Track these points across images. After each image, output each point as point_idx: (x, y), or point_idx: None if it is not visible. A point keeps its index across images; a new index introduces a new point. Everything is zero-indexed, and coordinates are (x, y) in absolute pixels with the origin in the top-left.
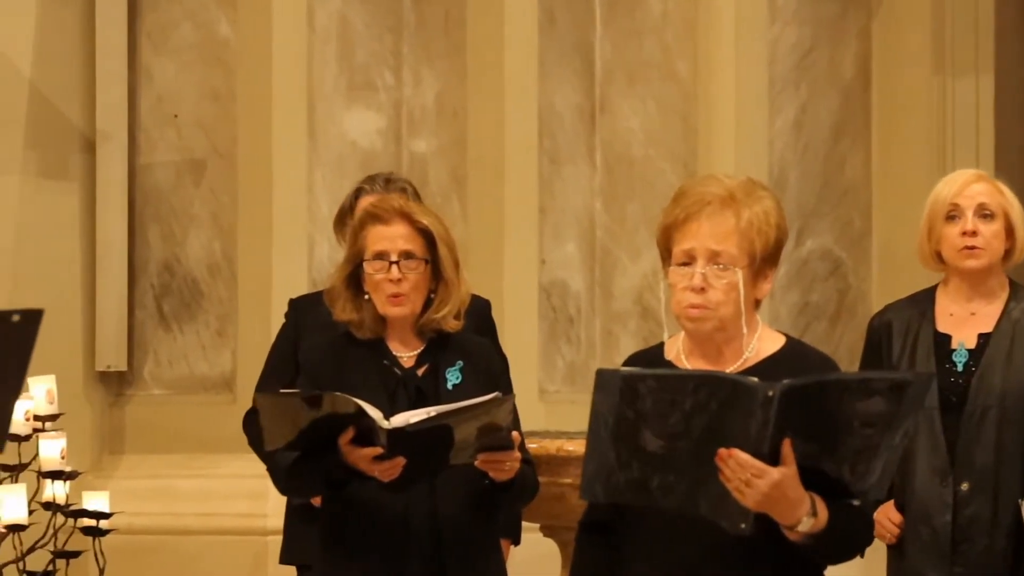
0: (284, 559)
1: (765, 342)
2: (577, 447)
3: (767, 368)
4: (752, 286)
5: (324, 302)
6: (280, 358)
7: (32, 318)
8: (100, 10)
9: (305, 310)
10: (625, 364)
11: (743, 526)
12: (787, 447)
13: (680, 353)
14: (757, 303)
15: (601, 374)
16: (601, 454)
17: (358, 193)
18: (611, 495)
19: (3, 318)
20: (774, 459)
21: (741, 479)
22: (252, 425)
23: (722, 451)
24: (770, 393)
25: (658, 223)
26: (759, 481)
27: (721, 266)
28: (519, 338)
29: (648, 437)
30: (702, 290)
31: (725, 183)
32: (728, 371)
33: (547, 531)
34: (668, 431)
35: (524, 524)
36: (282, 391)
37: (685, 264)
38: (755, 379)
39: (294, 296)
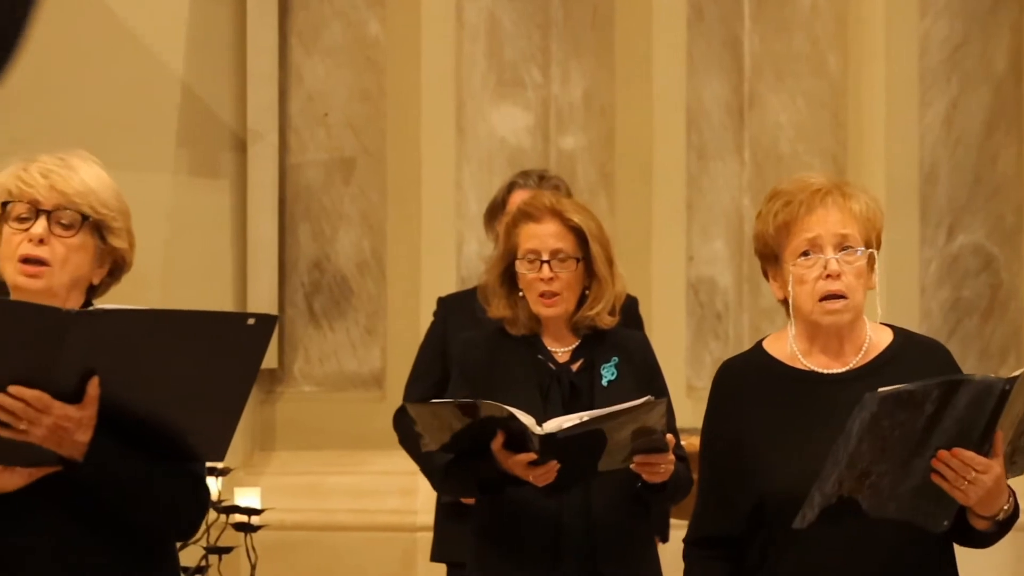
0: (435, 556)
1: (878, 333)
2: None
3: (892, 360)
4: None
5: (472, 300)
6: (429, 357)
7: (266, 323)
8: (251, 10)
9: (454, 308)
10: (723, 369)
11: (946, 523)
12: (999, 438)
13: (795, 353)
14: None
15: (867, 398)
16: (829, 482)
17: (511, 187)
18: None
19: (238, 321)
20: (985, 452)
21: (967, 477)
22: (403, 423)
23: (943, 452)
24: (1007, 387)
25: (767, 225)
26: (984, 477)
27: (849, 250)
28: (667, 335)
29: (878, 455)
30: (838, 276)
31: (823, 176)
32: (850, 366)
33: None
34: (894, 440)
35: (672, 521)
36: (434, 401)
37: (807, 254)
38: (992, 375)
39: (443, 294)
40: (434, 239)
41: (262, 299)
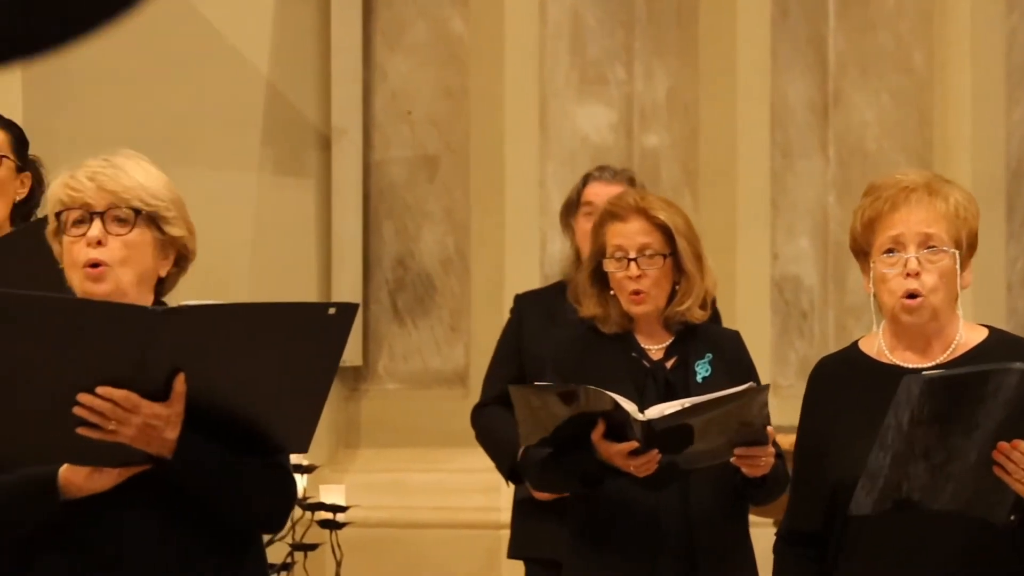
0: (512, 553)
1: (970, 332)
2: None
3: (978, 358)
4: (958, 274)
5: (549, 297)
6: (505, 354)
7: (347, 311)
8: (335, 9)
9: (530, 305)
10: (817, 366)
11: (1012, 517)
12: None
13: (883, 349)
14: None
15: (905, 382)
16: (877, 465)
17: (585, 180)
18: (877, 505)
19: (318, 310)
20: None
21: None
22: (479, 419)
23: (1003, 444)
24: None
25: (856, 220)
26: None
27: (933, 249)
28: (752, 332)
29: (928, 440)
30: (917, 275)
31: (918, 174)
32: (936, 362)
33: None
34: (948, 430)
35: (758, 519)
36: (537, 384)
37: (891, 252)
38: None
39: (520, 292)
40: (517, 237)
41: (346, 296)
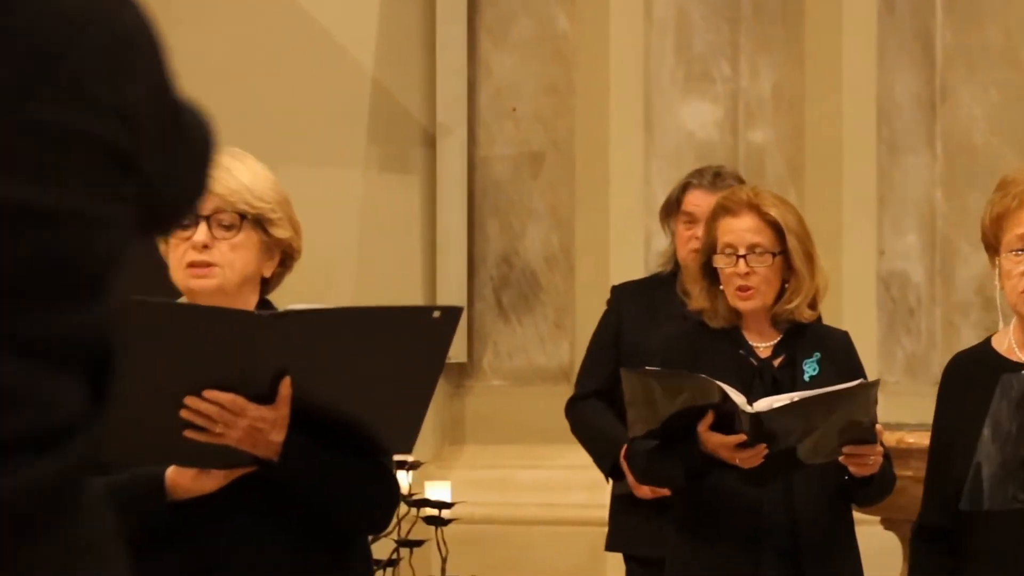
0: (609, 546)
1: None
2: (918, 439)
3: None
4: None
5: (648, 289)
6: (602, 346)
7: (451, 315)
8: (440, 6)
9: (628, 297)
10: (949, 363)
11: None
12: None
13: (1012, 345)
14: None
15: (1005, 379)
16: (982, 461)
17: (685, 187)
18: (988, 502)
19: (423, 314)
20: None
21: None
22: (575, 411)
23: None
24: None
25: (985, 214)
26: None
27: None
28: (858, 329)
29: None
30: None
31: None
32: None
33: (888, 524)
34: None
35: (865, 517)
36: (648, 368)
37: (1020, 251)
38: None
39: (615, 284)
40: (622, 234)
41: (451, 293)
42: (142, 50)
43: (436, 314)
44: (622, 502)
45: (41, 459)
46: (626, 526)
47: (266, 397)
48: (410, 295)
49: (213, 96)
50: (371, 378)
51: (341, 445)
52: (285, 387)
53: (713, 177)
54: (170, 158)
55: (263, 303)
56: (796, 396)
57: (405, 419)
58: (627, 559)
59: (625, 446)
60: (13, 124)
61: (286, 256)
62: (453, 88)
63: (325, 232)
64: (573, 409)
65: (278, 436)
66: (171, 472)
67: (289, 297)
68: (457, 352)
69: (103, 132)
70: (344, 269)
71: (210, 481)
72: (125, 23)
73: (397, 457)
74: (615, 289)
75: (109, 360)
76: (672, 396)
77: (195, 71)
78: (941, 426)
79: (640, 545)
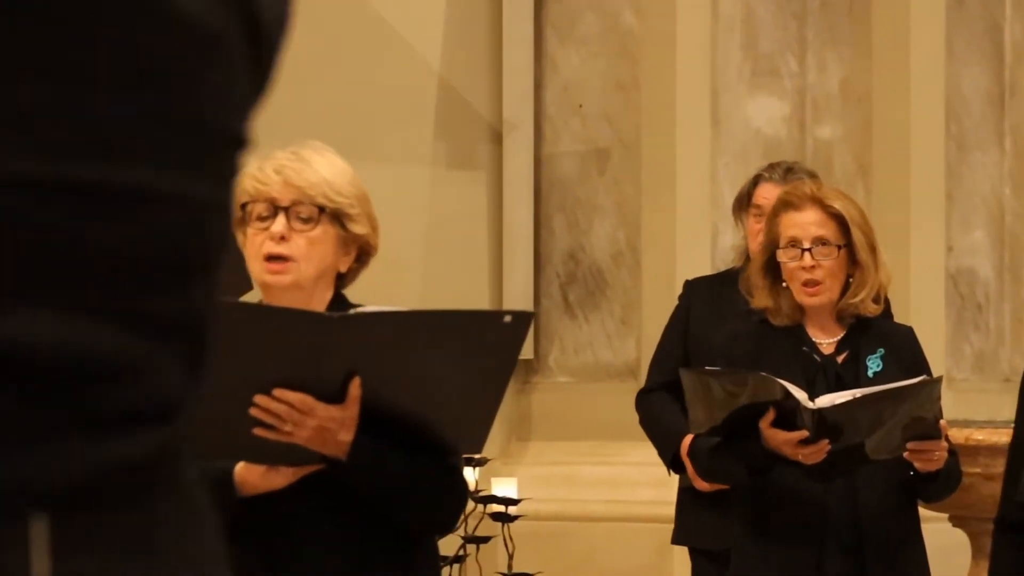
0: (676, 540)
1: None
2: (986, 436)
3: None
4: None
5: (719, 285)
6: (673, 339)
7: (522, 320)
8: (507, 3)
9: (699, 292)
10: None
11: None
12: None
13: None
14: None
15: None
16: None
17: (757, 180)
18: None
19: (495, 318)
20: None
21: None
22: (644, 404)
23: None
24: None
25: None
26: None
27: None
28: (926, 325)
29: None
30: None
31: None
32: None
33: (956, 521)
34: None
35: (932, 514)
36: (707, 367)
37: None
38: None
39: (690, 278)
40: (689, 230)
41: (518, 290)
42: None
43: (507, 318)
44: (688, 495)
45: (149, 432)
46: (692, 519)
47: (336, 396)
48: (476, 292)
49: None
50: (441, 380)
51: (410, 445)
52: (355, 387)
53: (785, 172)
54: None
55: (338, 297)
56: (858, 393)
57: (474, 421)
58: (692, 552)
59: (687, 442)
60: (132, 108)
61: (362, 252)
62: (520, 85)
63: (392, 228)
64: (641, 402)
65: (347, 436)
66: (240, 468)
67: (356, 292)
68: (523, 349)
69: (217, 116)
70: (411, 265)
71: (278, 478)
72: None
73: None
74: (687, 283)
75: (205, 341)
76: (733, 394)
77: None
78: (1021, 421)
79: (705, 538)
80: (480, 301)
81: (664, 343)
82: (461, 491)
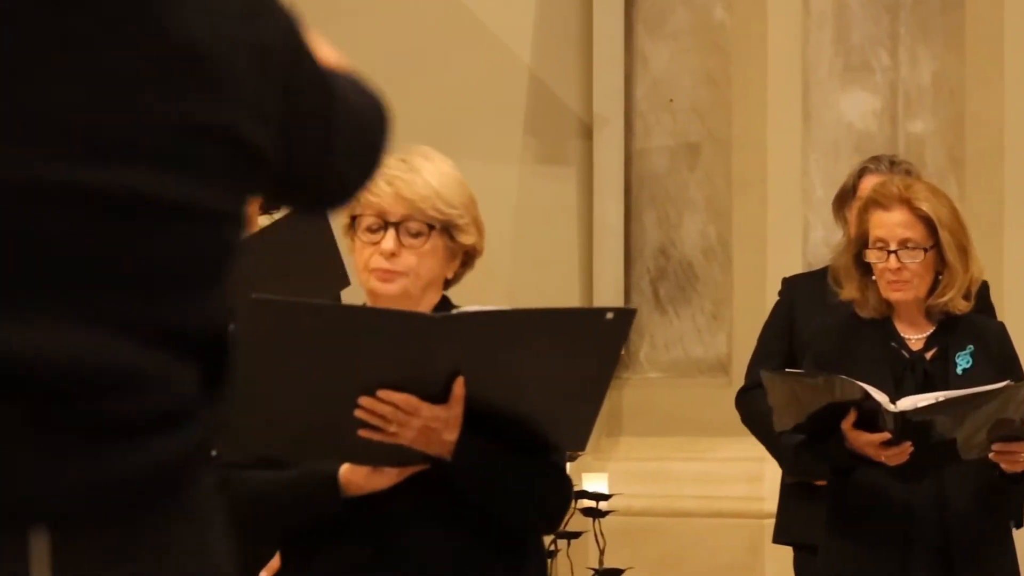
0: (777, 538)
1: None
2: None
3: None
4: None
5: (820, 281)
6: (773, 336)
7: (624, 316)
8: None
9: (800, 289)
10: None
11: None
12: None
13: None
14: None
15: None
16: None
17: (862, 173)
18: None
19: (597, 315)
20: None
21: None
22: (746, 402)
23: None
24: None
25: None
26: None
27: None
28: (1018, 321)
29: None
30: None
31: None
32: None
33: None
34: None
35: None
36: (788, 371)
37: None
38: None
39: (787, 276)
40: (780, 225)
41: (608, 286)
42: (274, 22)
43: (609, 316)
44: (793, 490)
45: (163, 441)
46: (797, 515)
47: (440, 396)
48: (566, 287)
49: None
50: (543, 378)
51: (513, 443)
52: (459, 387)
53: (889, 164)
54: (320, 126)
55: (443, 300)
56: (941, 396)
57: (578, 418)
58: (797, 548)
59: (766, 437)
60: (161, 120)
61: (468, 257)
62: (610, 80)
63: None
64: (742, 400)
65: (451, 435)
66: (345, 470)
67: (452, 290)
68: None
69: (240, 128)
70: (501, 261)
71: (383, 479)
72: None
73: None
74: (786, 281)
75: (224, 349)
76: (814, 395)
77: (356, 65)
78: None
79: (812, 533)
80: (570, 297)
81: (764, 340)
82: (566, 488)
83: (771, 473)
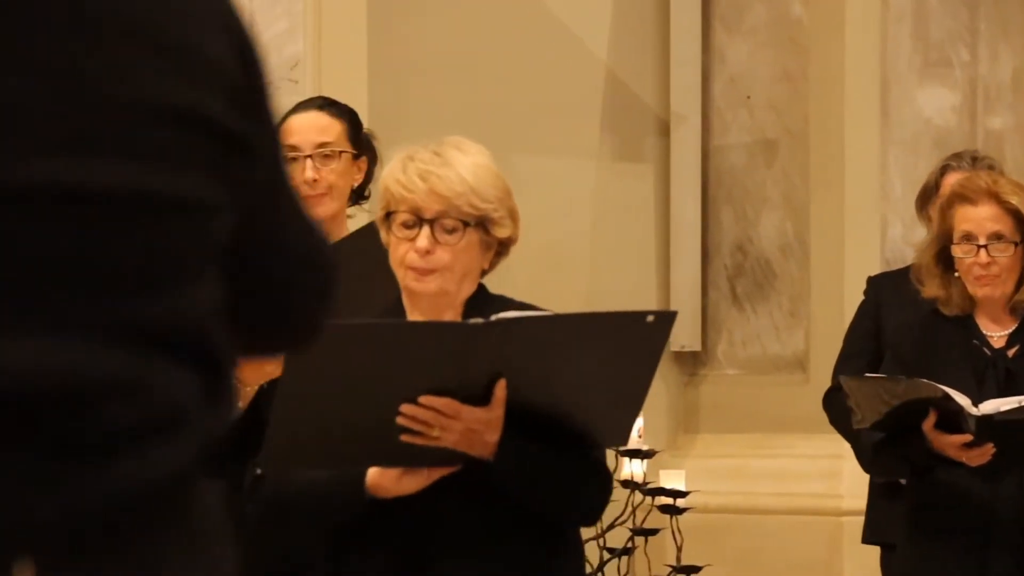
0: (867, 538)
1: None
2: None
3: None
4: None
5: (904, 279)
6: (860, 335)
7: (665, 319)
8: None
9: (885, 287)
10: None
11: None
12: None
13: None
14: None
15: None
16: None
17: (944, 170)
18: None
19: (637, 318)
20: None
21: None
22: (833, 401)
23: None
24: None
25: None
26: None
27: None
28: None
29: None
30: None
31: None
32: None
33: None
34: None
35: None
36: (867, 375)
37: None
38: None
39: (870, 275)
40: (858, 222)
41: (685, 282)
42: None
43: (650, 318)
44: (882, 491)
45: (154, 454)
46: (886, 514)
47: (481, 398)
48: (643, 284)
49: (450, 85)
50: (585, 380)
51: (553, 441)
52: (500, 389)
53: (972, 160)
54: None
55: (479, 289)
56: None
57: (618, 418)
58: (884, 548)
59: (852, 437)
60: (135, 109)
61: (503, 247)
62: (687, 76)
63: (559, 221)
64: (829, 400)
65: (493, 436)
66: (373, 472)
67: (523, 285)
68: (691, 341)
69: (220, 116)
70: (577, 258)
71: (413, 481)
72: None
73: (631, 446)
74: (871, 280)
75: (220, 358)
76: (894, 398)
77: (431, 63)
78: None
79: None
80: (647, 293)
81: (850, 339)
82: (605, 483)
83: (849, 470)
